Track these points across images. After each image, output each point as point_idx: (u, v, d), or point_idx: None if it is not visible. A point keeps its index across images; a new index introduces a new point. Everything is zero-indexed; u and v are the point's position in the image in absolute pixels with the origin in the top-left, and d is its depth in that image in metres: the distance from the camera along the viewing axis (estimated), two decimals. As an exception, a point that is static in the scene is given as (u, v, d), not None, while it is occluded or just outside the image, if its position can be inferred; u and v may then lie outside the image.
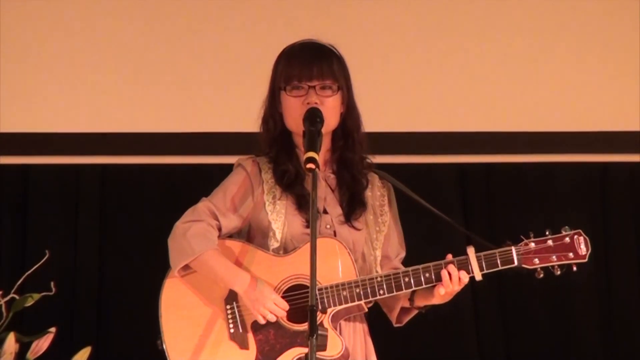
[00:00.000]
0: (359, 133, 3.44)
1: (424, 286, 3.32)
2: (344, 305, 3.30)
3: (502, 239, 3.35)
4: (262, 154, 3.46)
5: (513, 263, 3.32)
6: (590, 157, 5.25)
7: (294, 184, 3.39)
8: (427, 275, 3.31)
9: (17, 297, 3.88)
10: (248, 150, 3.48)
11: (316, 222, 3.10)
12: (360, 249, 3.40)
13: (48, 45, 5.20)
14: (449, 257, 3.32)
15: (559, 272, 3.33)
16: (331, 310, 3.30)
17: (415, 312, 3.46)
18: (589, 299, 5.21)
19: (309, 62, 3.37)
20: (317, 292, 3.23)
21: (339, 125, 3.42)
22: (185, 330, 3.32)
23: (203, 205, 3.38)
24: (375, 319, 3.49)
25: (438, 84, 5.25)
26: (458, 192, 5.24)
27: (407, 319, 3.49)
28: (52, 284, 3.85)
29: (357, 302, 3.30)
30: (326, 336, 3.21)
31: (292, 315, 3.30)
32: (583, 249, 3.33)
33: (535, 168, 5.26)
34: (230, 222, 3.38)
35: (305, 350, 3.20)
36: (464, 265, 3.31)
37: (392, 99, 5.20)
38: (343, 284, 3.30)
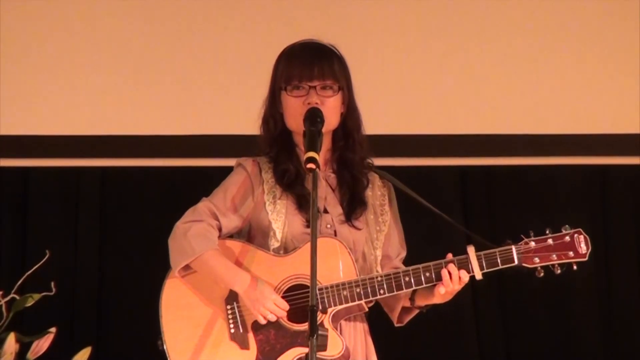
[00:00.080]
0: (360, 133, 3.44)
1: (425, 285, 3.32)
2: (345, 305, 3.30)
3: (503, 239, 3.35)
4: (262, 154, 3.46)
5: (513, 262, 3.32)
6: (590, 160, 5.25)
7: (294, 184, 3.39)
8: (427, 274, 3.31)
9: (17, 297, 3.87)
10: (248, 153, 3.48)
11: (316, 221, 3.09)
12: (361, 249, 3.40)
13: (48, 48, 5.20)
14: (449, 256, 3.33)
15: (559, 271, 3.33)
16: (331, 310, 3.30)
17: (416, 311, 3.46)
18: (589, 299, 5.21)
19: (310, 62, 3.37)
20: (317, 291, 3.23)
21: (340, 125, 3.42)
22: (185, 331, 3.32)
23: (203, 205, 3.38)
24: (376, 319, 3.49)
25: (438, 87, 5.25)
26: (458, 194, 5.24)
27: (408, 318, 3.49)
28: (52, 284, 3.85)
29: (357, 302, 3.30)
30: (326, 336, 3.21)
31: (293, 315, 3.30)
32: (583, 248, 3.33)
33: (535, 170, 5.26)
34: (231, 222, 3.38)
35: (306, 350, 3.19)
36: (464, 265, 3.31)
37: (392, 101, 5.20)
38: (343, 284, 3.30)
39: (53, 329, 3.86)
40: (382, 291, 3.30)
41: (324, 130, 3.29)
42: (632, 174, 5.25)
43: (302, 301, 3.28)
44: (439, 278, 3.30)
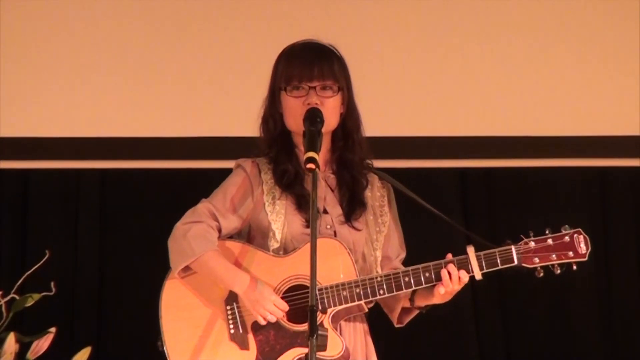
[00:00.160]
0: (359, 134, 3.44)
1: (424, 286, 3.32)
2: (344, 305, 3.30)
3: (502, 240, 3.35)
4: (261, 154, 3.45)
5: (513, 262, 3.32)
6: (590, 162, 5.25)
7: (293, 184, 3.38)
8: (427, 274, 3.31)
9: (17, 297, 3.88)
10: (248, 154, 3.48)
11: (316, 222, 3.09)
12: (361, 249, 3.40)
13: (48, 50, 5.20)
14: (449, 256, 3.32)
15: (559, 271, 3.33)
16: (331, 311, 3.30)
17: (415, 312, 3.45)
18: (589, 299, 5.21)
19: (310, 63, 3.37)
20: (317, 292, 3.23)
21: (339, 125, 3.41)
22: (185, 331, 3.32)
23: (203, 206, 3.38)
24: (376, 319, 3.49)
25: (438, 88, 5.25)
26: (458, 196, 5.24)
27: (408, 319, 3.49)
28: (52, 284, 3.85)
29: (357, 302, 3.30)
30: (326, 336, 3.21)
31: (293, 316, 3.30)
32: (583, 248, 3.33)
33: (535, 172, 5.26)
34: (230, 223, 3.38)
35: (306, 350, 3.20)
36: (464, 265, 3.31)
37: (392, 103, 5.20)
38: (343, 284, 3.30)
39: (53, 329, 3.87)
40: (381, 291, 3.30)
41: (323, 130, 3.29)
42: (632, 175, 5.25)
43: (302, 302, 3.28)
44: (438, 278, 3.30)
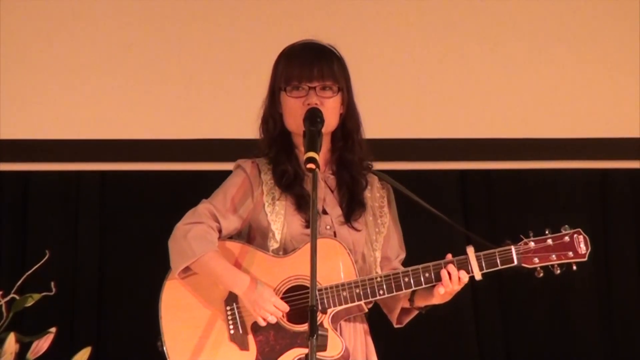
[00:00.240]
0: (359, 134, 3.43)
1: (424, 286, 3.32)
2: (344, 306, 3.30)
3: (502, 240, 3.35)
4: (261, 155, 3.45)
5: (513, 262, 3.32)
6: (590, 164, 5.25)
7: (293, 185, 3.38)
8: (426, 275, 3.31)
9: (17, 297, 3.88)
10: (247, 156, 3.47)
11: (316, 222, 3.09)
12: (360, 250, 3.40)
13: (48, 52, 5.20)
14: (449, 256, 3.32)
15: (558, 271, 3.33)
16: (331, 311, 3.30)
17: (415, 312, 3.45)
18: (589, 299, 5.22)
19: (310, 63, 3.37)
20: (317, 292, 3.22)
21: (339, 126, 3.41)
22: (185, 332, 3.32)
23: (203, 207, 3.37)
24: (376, 320, 3.49)
25: (437, 91, 5.25)
26: (458, 198, 5.25)
27: (407, 319, 3.49)
28: (52, 284, 3.85)
29: (357, 303, 3.30)
30: (326, 336, 3.20)
31: (292, 316, 3.30)
32: (583, 248, 3.33)
33: (535, 174, 5.26)
34: (230, 224, 3.38)
35: (306, 350, 3.20)
36: (464, 265, 3.31)
37: (392, 106, 5.20)
38: (343, 285, 3.30)
39: (53, 329, 3.86)
40: (381, 292, 3.30)
41: (323, 131, 3.28)
42: (632, 178, 5.25)
43: (302, 302, 3.28)
44: (438, 278, 3.30)
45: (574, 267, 3.33)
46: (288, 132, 3.42)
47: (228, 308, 3.33)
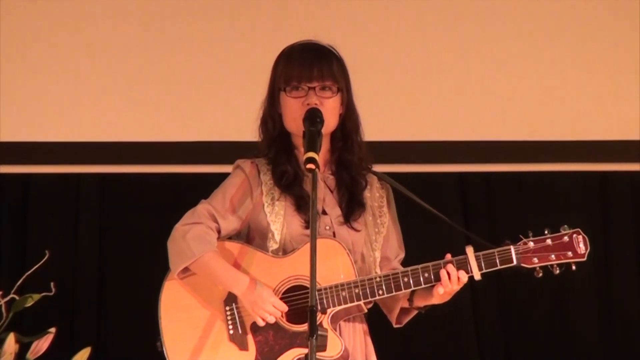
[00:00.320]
0: (358, 134, 3.43)
1: (423, 286, 3.32)
2: (344, 306, 3.30)
3: (501, 240, 3.35)
4: (260, 155, 3.45)
5: (512, 262, 3.31)
6: (590, 166, 5.25)
7: (292, 185, 3.38)
8: (426, 275, 3.31)
9: (17, 297, 3.88)
10: (247, 156, 3.47)
11: (316, 222, 3.09)
12: (360, 250, 3.40)
13: (48, 54, 5.21)
14: (448, 256, 3.32)
15: (558, 271, 3.33)
16: (330, 311, 3.30)
17: (414, 312, 3.45)
18: (589, 299, 5.22)
19: (309, 63, 3.37)
20: (316, 292, 3.22)
21: (338, 126, 3.41)
22: (184, 332, 3.32)
23: (202, 207, 3.37)
24: (376, 320, 3.49)
25: (437, 93, 5.25)
26: (458, 200, 5.25)
27: (406, 319, 3.49)
28: (52, 284, 3.85)
29: (356, 303, 3.30)
30: (326, 336, 3.21)
31: (292, 316, 3.30)
32: (582, 248, 3.33)
33: (535, 177, 5.26)
34: (230, 224, 3.38)
35: (305, 351, 3.20)
36: (463, 265, 3.31)
37: (392, 108, 5.21)
38: (342, 285, 3.30)
39: (53, 329, 3.87)
40: (380, 292, 3.30)
41: (323, 131, 3.28)
42: (632, 180, 5.25)
43: (301, 302, 3.28)
44: (437, 279, 3.30)
45: (573, 267, 3.33)
46: (287, 132, 3.42)
47: (227, 308, 3.33)
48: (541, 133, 5.22)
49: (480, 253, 3.31)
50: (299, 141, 3.37)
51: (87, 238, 5.16)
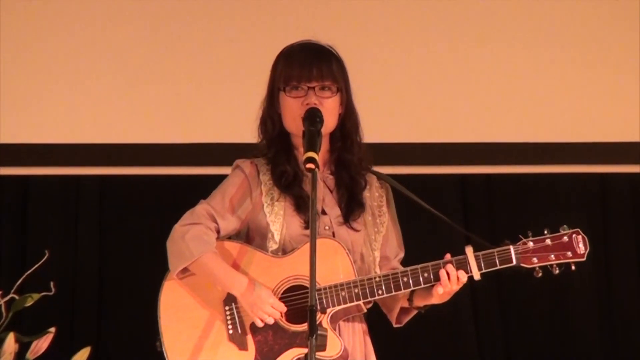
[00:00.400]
0: (358, 134, 3.43)
1: (423, 286, 3.32)
2: (343, 306, 3.30)
3: (501, 240, 3.35)
4: (260, 155, 3.45)
5: (511, 262, 3.31)
6: (590, 168, 5.25)
7: (292, 185, 3.38)
8: (425, 275, 3.31)
9: (17, 297, 3.88)
10: (246, 156, 3.47)
11: (316, 222, 3.09)
12: (359, 250, 3.40)
13: (48, 56, 5.21)
14: (448, 256, 3.32)
15: (557, 271, 3.33)
16: (330, 311, 3.30)
17: (414, 312, 3.45)
18: (589, 299, 5.22)
19: (309, 63, 3.36)
20: (315, 292, 3.22)
21: (337, 126, 3.41)
22: (184, 332, 3.32)
23: (201, 207, 3.37)
24: (375, 319, 3.49)
25: (437, 95, 5.26)
26: (458, 202, 5.25)
27: (406, 319, 3.48)
28: (52, 284, 3.85)
29: (355, 303, 3.30)
30: (326, 336, 3.22)
31: (291, 316, 3.30)
32: (581, 248, 3.32)
33: (535, 179, 5.27)
34: (229, 225, 3.38)
35: (304, 350, 3.20)
36: (463, 265, 3.30)
37: (392, 110, 5.21)
38: (342, 285, 3.30)
39: (52, 329, 3.87)
40: (380, 292, 3.30)
41: (322, 131, 3.28)
42: (632, 182, 5.25)
43: (301, 302, 3.28)
44: (437, 278, 3.30)
45: (573, 267, 3.33)
46: (287, 132, 3.42)
47: (227, 308, 3.33)
48: (541, 135, 5.23)
49: (480, 253, 3.31)
50: (298, 141, 3.37)
51: (87, 238, 5.17)
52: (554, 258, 3.32)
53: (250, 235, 3.41)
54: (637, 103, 5.23)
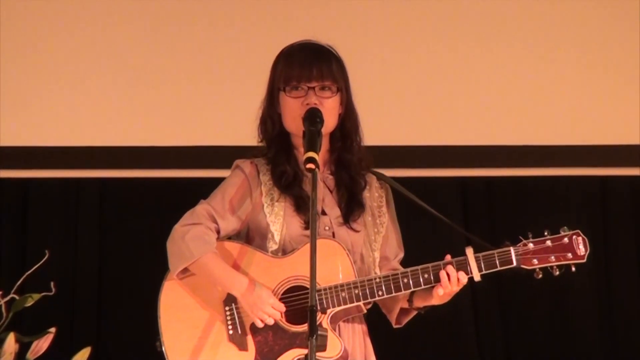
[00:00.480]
0: (357, 134, 3.43)
1: (423, 287, 3.32)
2: (343, 307, 3.30)
3: (501, 241, 3.35)
4: (259, 155, 3.45)
5: (512, 264, 3.31)
6: (590, 171, 5.25)
7: (292, 185, 3.38)
8: (425, 276, 3.30)
9: (17, 297, 3.88)
10: (246, 156, 3.47)
11: (316, 222, 3.09)
12: (359, 251, 3.40)
13: (48, 59, 5.22)
14: (448, 257, 3.32)
15: (557, 273, 3.33)
16: (330, 311, 3.30)
17: (414, 312, 3.45)
18: (589, 300, 5.22)
19: (309, 63, 3.36)
20: (316, 293, 3.22)
21: (337, 126, 3.41)
22: (184, 332, 3.32)
23: (201, 208, 3.37)
24: (375, 320, 3.49)
25: (438, 98, 5.26)
26: (459, 205, 5.25)
27: (406, 319, 3.48)
28: (52, 284, 3.85)
29: (356, 303, 3.30)
30: (326, 337, 3.21)
31: (291, 317, 3.30)
32: (582, 249, 3.32)
33: (536, 181, 5.27)
34: (229, 225, 3.38)
35: (304, 351, 3.20)
36: (463, 266, 3.30)
37: (392, 112, 5.21)
38: (342, 285, 3.29)
39: (53, 329, 3.87)
40: (380, 292, 3.30)
41: (322, 131, 3.28)
42: (632, 185, 5.25)
43: (301, 303, 3.28)
44: (437, 279, 3.30)
45: (573, 269, 3.33)
46: (287, 132, 3.41)
47: (227, 308, 3.33)
48: (542, 137, 5.23)
49: (480, 254, 3.31)
50: (298, 141, 3.37)
51: (87, 238, 5.17)
52: (554, 259, 3.32)
53: (250, 235, 3.41)
54: (637, 105, 5.23)
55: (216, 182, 3.48)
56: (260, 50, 4.95)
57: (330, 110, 3.35)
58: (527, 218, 5.17)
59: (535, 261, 3.31)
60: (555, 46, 5.29)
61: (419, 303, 3.40)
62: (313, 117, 3.29)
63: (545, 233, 3.33)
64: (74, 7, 5.24)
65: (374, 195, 3.49)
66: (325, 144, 3.37)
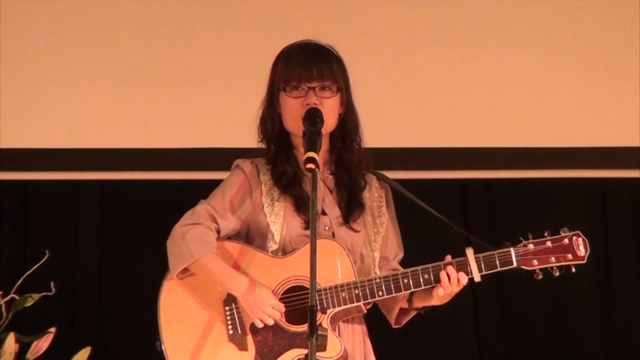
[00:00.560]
0: (357, 134, 3.43)
1: (423, 287, 3.32)
2: (343, 307, 3.30)
3: (502, 241, 3.35)
4: (259, 155, 3.45)
5: (512, 264, 3.31)
6: (590, 173, 5.26)
7: (292, 185, 3.38)
8: (426, 276, 3.30)
9: (17, 297, 3.88)
10: (246, 155, 3.47)
11: (316, 222, 3.09)
12: (359, 251, 3.40)
13: (48, 61, 5.22)
14: (448, 258, 3.32)
15: (557, 274, 3.33)
16: (330, 312, 3.30)
17: (413, 313, 3.45)
18: (589, 300, 5.22)
19: (309, 63, 3.36)
20: (316, 293, 3.22)
21: (337, 126, 3.41)
22: (184, 332, 3.32)
23: (202, 207, 3.37)
24: (375, 320, 3.49)
25: (438, 100, 5.26)
26: (459, 207, 5.24)
27: (405, 320, 3.48)
28: (52, 284, 3.85)
29: (356, 304, 3.30)
30: (326, 337, 3.21)
31: (291, 317, 3.30)
32: (582, 250, 3.32)
33: (536, 184, 5.27)
34: (229, 225, 3.38)
35: (304, 351, 3.20)
36: (463, 267, 3.30)
37: (393, 114, 5.21)
38: (342, 285, 3.29)
39: (53, 329, 3.86)
40: (380, 293, 3.30)
41: (322, 131, 3.28)
42: (632, 187, 5.25)
43: (301, 303, 3.28)
44: (437, 280, 3.30)
45: (573, 270, 3.33)
46: (287, 132, 3.41)
47: (227, 308, 3.33)
48: (542, 139, 5.23)
49: (480, 255, 3.31)
50: (298, 141, 3.37)
51: (87, 238, 5.17)
52: (554, 260, 3.32)
53: (250, 235, 3.41)
54: (637, 108, 5.23)
55: (215, 184, 3.48)
56: (260, 52, 4.96)
57: (330, 110, 3.35)
58: (527, 219, 5.17)
59: (535, 262, 3.31)
60: (555, 48, 5.29)
61: (419, 303, 3.40)
62: (313, 117, 3.29)
63: (546, 234, 3.33)
64: (74, 8, 5.24)
65: (374, 196, 3.49)
66: (325, 144, 3.37)
